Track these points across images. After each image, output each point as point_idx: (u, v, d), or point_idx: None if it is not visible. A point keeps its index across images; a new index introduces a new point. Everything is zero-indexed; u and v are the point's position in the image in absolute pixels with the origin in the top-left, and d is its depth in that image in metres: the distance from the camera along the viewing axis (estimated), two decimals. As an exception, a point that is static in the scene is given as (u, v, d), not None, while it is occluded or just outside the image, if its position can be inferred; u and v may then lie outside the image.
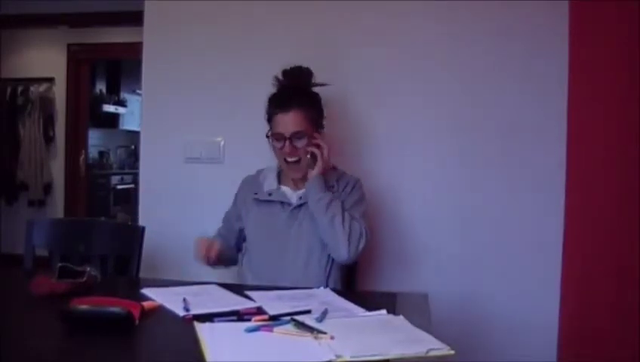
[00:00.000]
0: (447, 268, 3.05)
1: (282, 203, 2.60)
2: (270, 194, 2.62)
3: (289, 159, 2.57)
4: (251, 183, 2.72)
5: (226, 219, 2.77)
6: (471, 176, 3.04)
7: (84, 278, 2.16)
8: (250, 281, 2.52)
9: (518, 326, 2.99)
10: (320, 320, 1.79)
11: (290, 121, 2.53)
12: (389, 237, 3.07)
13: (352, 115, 3.11)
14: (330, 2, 3.13)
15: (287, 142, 2.53)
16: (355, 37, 3.13)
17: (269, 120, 2.59)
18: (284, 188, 2.64)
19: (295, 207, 2.58)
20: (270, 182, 2.66)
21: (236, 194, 2.75)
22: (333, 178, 2.62)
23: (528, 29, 2.98)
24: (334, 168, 2.69)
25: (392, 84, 3.10)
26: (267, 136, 2.61)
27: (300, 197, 2.58)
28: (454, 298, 2.94)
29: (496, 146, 3.02)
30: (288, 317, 1.79)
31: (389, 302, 2.02)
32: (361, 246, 2.45)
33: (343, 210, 2.48)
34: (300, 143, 2.54)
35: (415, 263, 3.06)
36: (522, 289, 3.00)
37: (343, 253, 2.44)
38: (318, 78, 2.64)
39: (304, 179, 2.59)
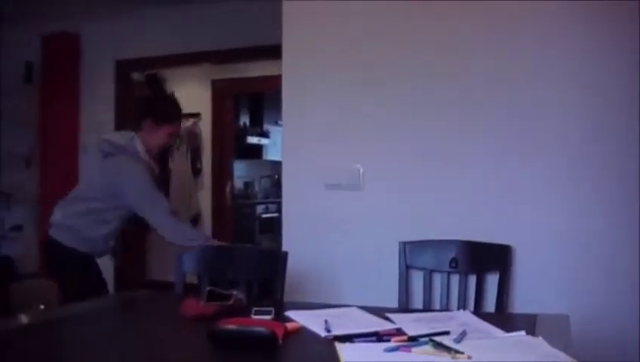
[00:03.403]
0: (591, 289, 2.95)
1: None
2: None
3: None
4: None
5: None
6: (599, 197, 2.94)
7: (231, 301, 2.27)
8: None
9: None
10: (458, 340, 1.81)
11: None
12: (530, 258, 3.02)
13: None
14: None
15: None
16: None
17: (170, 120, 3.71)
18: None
19: None
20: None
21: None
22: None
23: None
24: None
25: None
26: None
27: None
28: (596, 320, 2.84)
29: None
30: (427, 338, 1.82)
31: (528, 324, 2.01)
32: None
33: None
34: None
35: (555, 284, 2.98)
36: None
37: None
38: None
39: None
